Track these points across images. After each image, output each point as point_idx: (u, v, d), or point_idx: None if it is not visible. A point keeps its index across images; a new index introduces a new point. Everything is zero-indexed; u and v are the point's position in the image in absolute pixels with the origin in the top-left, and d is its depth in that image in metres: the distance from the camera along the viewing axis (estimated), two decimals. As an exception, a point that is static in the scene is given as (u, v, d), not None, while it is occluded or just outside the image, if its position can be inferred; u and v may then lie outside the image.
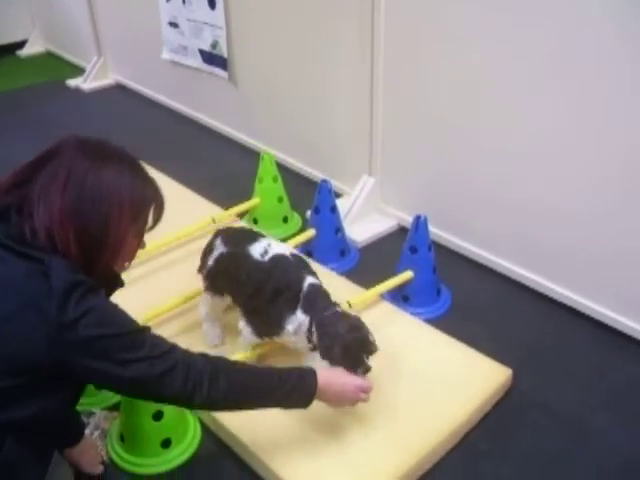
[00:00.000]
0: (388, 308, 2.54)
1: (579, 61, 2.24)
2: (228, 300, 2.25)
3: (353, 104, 3.13)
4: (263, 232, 2.34)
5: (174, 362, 1.51)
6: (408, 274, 2.54)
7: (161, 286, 2.60)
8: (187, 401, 1.56)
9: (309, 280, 2.02)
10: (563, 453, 2.02)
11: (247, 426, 2.00)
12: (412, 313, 2.52)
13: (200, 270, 2.31)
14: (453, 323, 2.49)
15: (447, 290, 2.68)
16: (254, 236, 2.21)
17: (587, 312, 2.53)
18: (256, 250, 2.12)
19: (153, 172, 3.44)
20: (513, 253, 2.72)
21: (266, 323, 2.06)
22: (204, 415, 2.11)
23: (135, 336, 1.49)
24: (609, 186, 2.31)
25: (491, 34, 2.46)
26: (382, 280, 2.55)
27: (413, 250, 2.52)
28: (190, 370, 1.53)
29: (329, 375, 1.80)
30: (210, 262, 2.23)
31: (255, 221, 3.11)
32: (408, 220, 2.67)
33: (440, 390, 2.15)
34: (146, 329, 1.54)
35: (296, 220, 3.19)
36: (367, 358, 1.91)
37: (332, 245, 2.85)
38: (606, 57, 2.17)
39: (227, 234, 2.28)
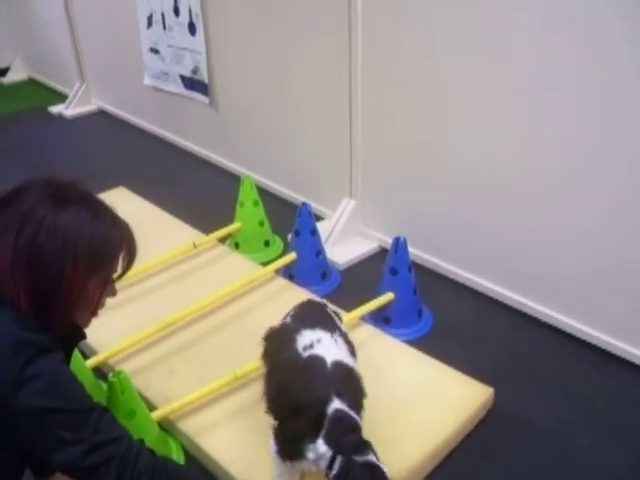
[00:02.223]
0: (369, 330, 2.54)
1: (561, 78, 2.28)
2: None
3: (333, 128, 3.15)
4: (335, 315, 2.09)
5: (111, 455, 1.35)
6: (389, 296, 2.54)
7: (141, 312, 2.59)
8: None
9: (335, 404, 1.67)
10: (546, 471, 2.03)
11: (230, 452, 2.00)
12: (394, 335, 2.52)
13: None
14: (435, 344, 2.49)
15: (428, 311, 2.69)
16: (317, 322, 1.94)
17: (568, 330, 2.55)
18: (303, 339, 1.86)
19: (134, 197, 3.52)
20: (493, 272, 2.74)
21: (287, 442, 1.75)
22: (187, 442, 2.11)
23: (79, 415, 1.35)
24: (589, 208, 2.34)
25: (467, 58, 2.49)
26: (363, 302, 2.55)
27: (393, 272, 2.53)
28: (127, 468, 1.36)
29: None
30: (278, 325, 2.04)
31: (237, 245, 3.11)
32: (388, 242, 2.68)
33: (423, 411, 2.15)
34: (96, 409, 1.39)
35: (278, 244, 3.20)
36: None
37: (313, 268, 2.86)
38: (594, 76, 2.21)
39: (303, 306, 2.08)
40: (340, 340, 1.93)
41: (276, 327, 2.02)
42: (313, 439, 1.64)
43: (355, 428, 1.67)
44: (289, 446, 1.73)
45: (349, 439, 1.62)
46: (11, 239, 1.33)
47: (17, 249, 1.33)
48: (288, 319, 2.01)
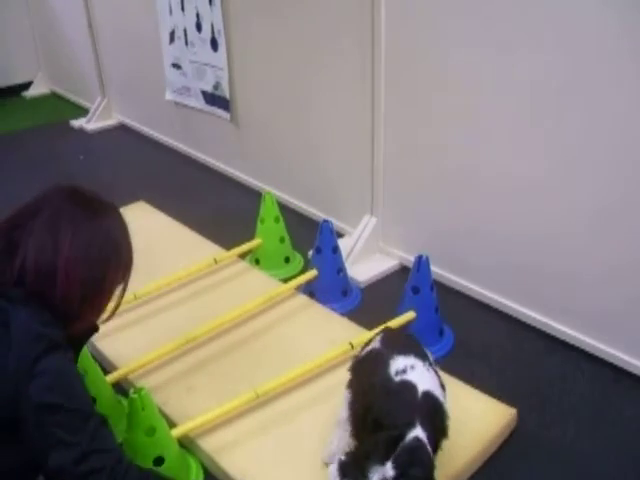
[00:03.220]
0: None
1: (580, 97, 2.26)
2: None
3: (355, 144, 3.14)
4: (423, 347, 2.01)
5: (102, 465, 1.38)
6: (410, 314, 2.52)
7: (161, 328, 2.58)
8: None
9: (416, 432, 1.63)
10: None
11: (250, 471, 1.98)
12: (415, 353, 2.50)
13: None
14: (456, 363, 2.47)
15: (450, 330, 2.66)
16: (409, 349, 1.90)
17: (591, 351, 2.51)
18: (397, 364, 1.82)
19: (155, 212, 3.53)
20: (515, 292, 2.71)
21: (357, 459, 1.72)
22: (207, 460, 2.09)
23: (79, 417, 1.39)
24: (613, 222, 2.32)
25: (492, 73, 2.48)
26: (385, 320, 2.52)
27: (415, 290, 2.51)
28: (117, 478, 1.39)
29: None
30: (362, 353, 2.00)
31: (257, 261, 3.11)
32: (410, 260, 2.67)
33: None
34: (95, 417, 1.42)
35: (298, 260, 3.19)
36: None
37: (334, 285, 2.84)
38: (608, 91, 2.20)
39: (390, 333, 2.07)
40: (432, 370, 1.89)
41: (363, 354, 1.99)
42: (383, 461, 1.60)
43: (427, 463, 1.62)
44: (357, 464, 1.69)
45: (417, 472, 1.58)
46: (67, 241, 1.43)
47: (73, 251, 1.44)
48: (377, 344, 1.96)
